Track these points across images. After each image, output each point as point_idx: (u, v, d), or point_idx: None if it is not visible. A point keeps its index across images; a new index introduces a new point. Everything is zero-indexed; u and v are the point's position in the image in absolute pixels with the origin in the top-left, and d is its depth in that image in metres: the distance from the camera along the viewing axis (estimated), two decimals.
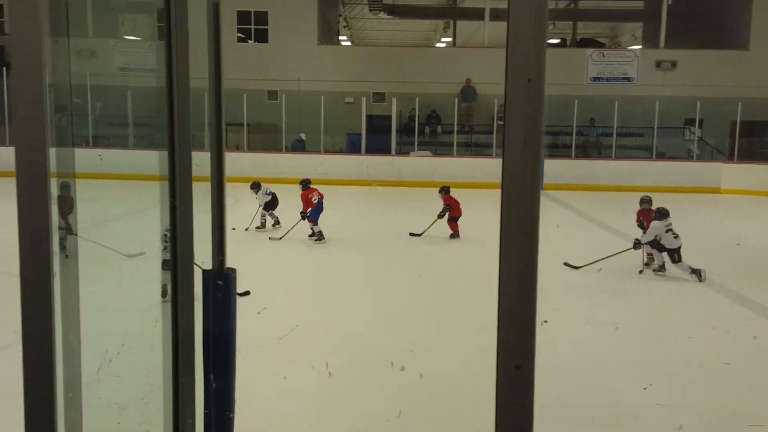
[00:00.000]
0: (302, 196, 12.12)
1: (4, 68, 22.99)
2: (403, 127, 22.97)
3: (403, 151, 22.07)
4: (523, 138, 1.80)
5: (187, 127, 3.03)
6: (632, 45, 27.29)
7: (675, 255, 9.46)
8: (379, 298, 8.58)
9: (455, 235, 12.41)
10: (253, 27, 23.99)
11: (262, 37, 24.14)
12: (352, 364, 6.17)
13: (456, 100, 22.30)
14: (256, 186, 12.86)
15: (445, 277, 9.84)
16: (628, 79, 23.44)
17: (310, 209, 11.89)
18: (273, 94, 23.30)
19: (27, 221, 1.81)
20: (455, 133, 22.04)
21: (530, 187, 1.77)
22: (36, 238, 1.81)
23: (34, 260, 1.82)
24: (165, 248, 8.36)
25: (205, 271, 2.98)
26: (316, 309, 7.94)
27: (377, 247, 11.76)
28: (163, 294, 8.21)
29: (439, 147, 22.71)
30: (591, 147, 23.09)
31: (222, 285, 3.11)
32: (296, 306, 8.02)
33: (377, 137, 21.90)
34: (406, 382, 5.68)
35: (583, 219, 15.42)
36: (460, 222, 12.49)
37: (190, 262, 3.01)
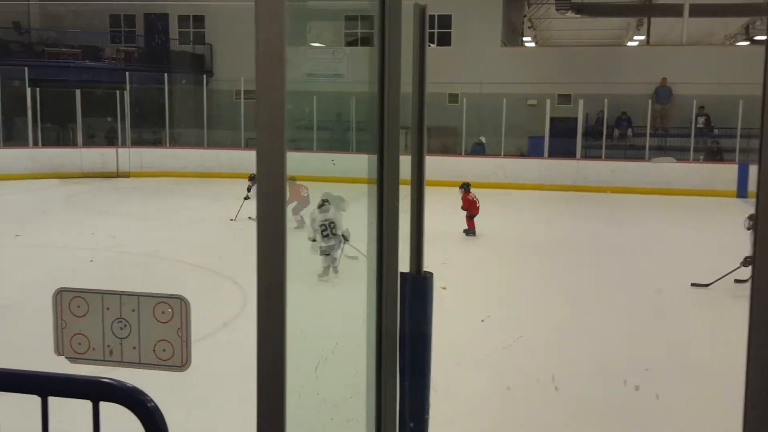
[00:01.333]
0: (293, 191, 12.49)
1: (204, 75, 24.85)
2: (590, 129, 22.20)
3: (589, 155, 21.33)
4: None
5: (396, 132, 3.06)
6: None
7: None
8: (599, 310, 8.20)
9: (470, 232, 12.44)
10: (436, 30, 24.21)
11: (445, 40, 24.31)
12: (579, 380, 5.88)
13: (649, 101, 21.25)
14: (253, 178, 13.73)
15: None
16: None
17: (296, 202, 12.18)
18: (454, 97, 23.38)
19: (266, 223, 1.88)
20: (647, 136, 20.98)
21: None
22: (273, 238, 1.88)
23: (271, 260, 1.89)
24: (325, 236, 8.98)
25: (402, 274, 2.99)
26: (539, 318, 7.71)
27: (574, 255, 11.39)
28: (324, 273, 8.71)
29: (628, 151, 21.72)
30: None
31: (419, 288, 3.12)
32: (518, 315, 7.81)
33: (561, 140, 21.31)
34: (640, 402, 5.36)
35: None
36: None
37: (395, 264, 3.03)
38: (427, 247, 2.76)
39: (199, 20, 26.56)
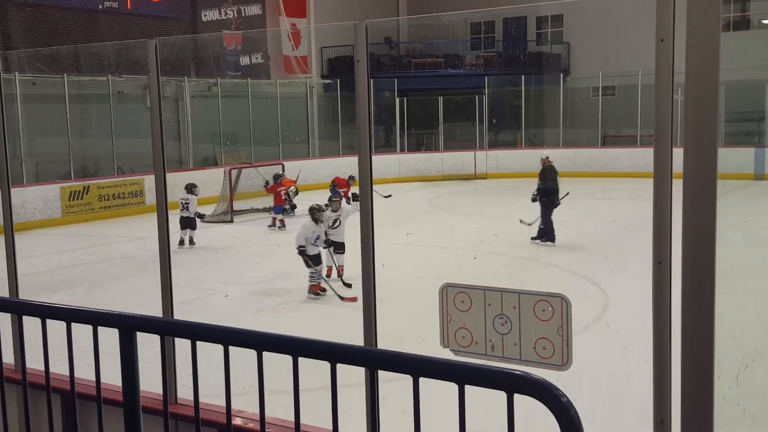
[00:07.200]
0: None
1: (561, 74, 24.73)
2: None
3: None
4: None
5: None
6: None
7: None
8: None
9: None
10: None
11: None
12: None
13: None
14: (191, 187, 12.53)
15: None
16: None
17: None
18: None
19: (694, 223, 1.81)
20: None
21: None
22: (702, 239, 1.81)
23: (699, 259, 1.82)
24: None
25: None
26: None
27: None
28: (312, 271, 9.37)
29: None
30: None
31: None
32: None
33: None
34: None
35: None
36: None
37: None
38: None
39: (557, 20, 26.60)
